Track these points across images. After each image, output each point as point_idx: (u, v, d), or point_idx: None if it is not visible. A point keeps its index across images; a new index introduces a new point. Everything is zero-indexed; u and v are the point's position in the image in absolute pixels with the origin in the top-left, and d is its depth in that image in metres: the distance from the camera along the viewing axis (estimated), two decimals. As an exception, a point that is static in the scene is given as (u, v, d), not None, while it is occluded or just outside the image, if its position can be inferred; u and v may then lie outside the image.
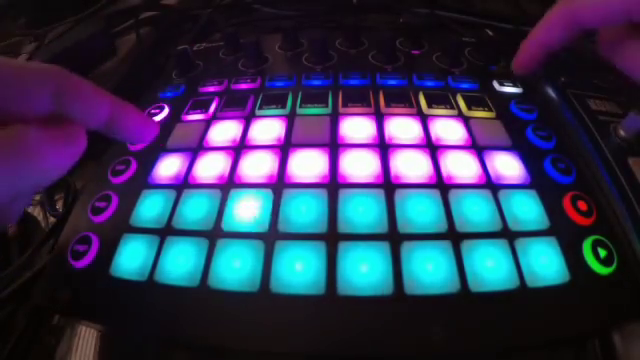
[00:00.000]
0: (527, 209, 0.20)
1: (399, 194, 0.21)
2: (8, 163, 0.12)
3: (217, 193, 0.22)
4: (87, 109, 0.15)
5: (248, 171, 0.22)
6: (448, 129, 0.25)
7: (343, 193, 0.21)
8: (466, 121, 0.26)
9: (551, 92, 0.28)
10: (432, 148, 0.23)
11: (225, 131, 0.26)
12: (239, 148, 0.24)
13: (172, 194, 0.22)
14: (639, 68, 0.18)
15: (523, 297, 0.17)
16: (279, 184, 0.22)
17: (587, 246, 0.19)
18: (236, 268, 0.18)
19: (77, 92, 0.14)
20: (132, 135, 0.17)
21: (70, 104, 0.14)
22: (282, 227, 0.20)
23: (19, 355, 0.21)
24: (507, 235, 0.19)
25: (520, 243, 0.19)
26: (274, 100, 0.27)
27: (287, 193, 0.21)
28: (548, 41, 0.20)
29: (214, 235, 0.20)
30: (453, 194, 0.21)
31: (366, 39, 0.34)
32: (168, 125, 0.27)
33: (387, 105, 0.26)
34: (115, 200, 0.22)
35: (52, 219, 0.29)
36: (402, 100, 0.27)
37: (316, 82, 0.29)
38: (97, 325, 0.20)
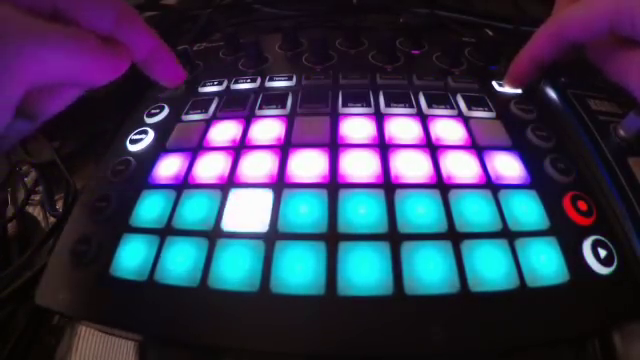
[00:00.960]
0: (527, 209, 0.20)
1: (399, 194, 0.21)
2: (68, 47, 0.14)
3: (217, 193, 0.22)
4: (137, 39, 0.18)
5: (248, 171, 0.22)
6: (448, 129, 0.25)
7: (343, 193, 0.21)
8: (466, 121, 0.26)
9: (551, 92, 0.28)
10: (432, 148, 0.23)
11: (225, 131, 0.26)
12: (239, 148, 0.24)
13: (172, 194, 0.22)
14: (623, 74, 0.19)
15: (523, 297, 0.17)
16: (279, 184, 0.22)
17: (587, 246, 0.19)
18: (236, 268, 0.18)
19: (133, 23, 0.18)
20: (163, 77, 0.21)
21: (124, 31, 0.17)
22: (282, 227, 0.20)
23: (19, 355, 0.21)
24: (507, 235, 0.19)
25: (520, 243, 0.19)
26: (274, 100, 0.27)
27: (287, 193, 0.21)
28: (539, 57, 0.22)
29: (214, 235, 0.20)
30: (453, 194, 0.21)
31: (366, 39, 0.34)
32: (168, 125, 0.27)
33: (387, 105, 0.26)
34: (115, 200, 0.22)
35: (52, 219, 0.29)
36: (402, 100, 0.27)
37: (316, 82, 0.29)
38: (97, 325, 0.20)
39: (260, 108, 0.27)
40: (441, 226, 0.19)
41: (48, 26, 0.14)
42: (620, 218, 0.20)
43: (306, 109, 0.26)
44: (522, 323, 0.17)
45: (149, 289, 0.18)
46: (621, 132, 0.23)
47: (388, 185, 0.21)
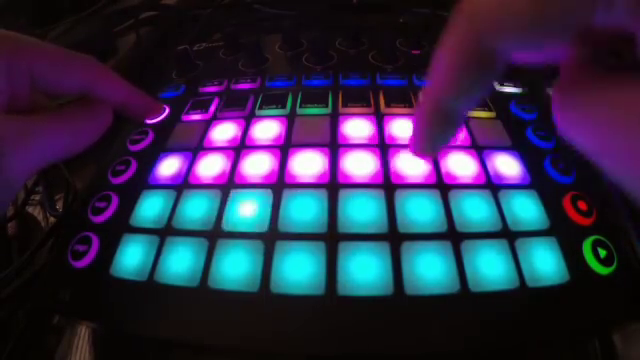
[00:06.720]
0: (527, 209, 0.20)
1: (399, 194, 0.21)
2: (58, 138, 0.17)
3: (217, 193, 0.22)
4: (111, 92, 0.19)
5: (248, 171, 0.22)
6: (448, 129, 0.25)
7: (343, 193, 0.21)
8: (466, 121, 0.26)
9: (551, 92, 0.28)
10: (432, 148, 0.23)
11: (225, 131, 0.26)
12: (239, 148, 0.24)
13: (172, 194, 0.22)
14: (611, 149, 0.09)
15: (523, 297, 0.17)
16: (279, 184, 0.22)
17: (587, 246, 0.19)
18: (236, 268, 0.18)
19: (103, 76, 0.19)
20: (140, 117, 0.22)
21: (98, 87, 0.18)
22: (282, 227, 0.20)
23: (19, 355, 0.21)
24: (507, 235, 0.19)
25: (520, 243, 0.19)
26: (274, 100, 0.27)
27: (287, 193, 0.21)
28: (447, 94, 0.11)
29: (214, 235, 0.20)
30: (453, 194, 0.21)
31: (366, 39, 0.34)
32: (168, 125, 0.27)
33: (387, 105, 0.26)
34: (115, 200, 0.22)
35: (52, 219, 0.29)
36: (402, 100, 0.27)
37: (316, 82, 0.29)
38: (97, 325, 0.20)
39: (260, 108, 0.27)
40: (441, 226, 0.19)
41: (34, 126, 0.15)
42: (620, 218, 0.20)
43: (306, 109, 0.26)
44: (522, 323, 0.17)
45: (149, 289, 0.18)
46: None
47: (388, 185, 0.21)
